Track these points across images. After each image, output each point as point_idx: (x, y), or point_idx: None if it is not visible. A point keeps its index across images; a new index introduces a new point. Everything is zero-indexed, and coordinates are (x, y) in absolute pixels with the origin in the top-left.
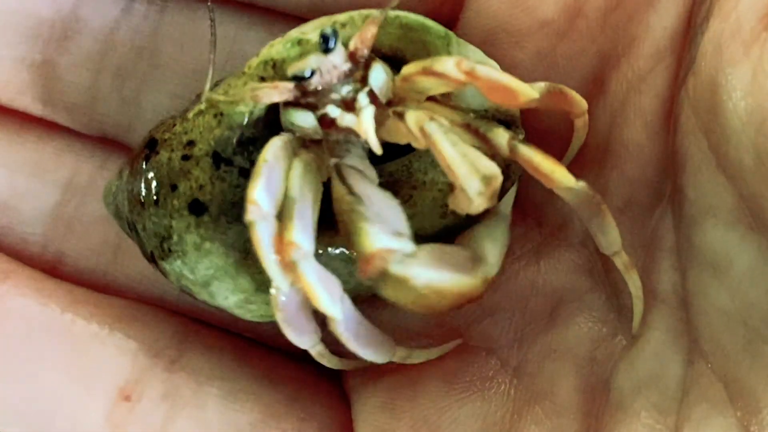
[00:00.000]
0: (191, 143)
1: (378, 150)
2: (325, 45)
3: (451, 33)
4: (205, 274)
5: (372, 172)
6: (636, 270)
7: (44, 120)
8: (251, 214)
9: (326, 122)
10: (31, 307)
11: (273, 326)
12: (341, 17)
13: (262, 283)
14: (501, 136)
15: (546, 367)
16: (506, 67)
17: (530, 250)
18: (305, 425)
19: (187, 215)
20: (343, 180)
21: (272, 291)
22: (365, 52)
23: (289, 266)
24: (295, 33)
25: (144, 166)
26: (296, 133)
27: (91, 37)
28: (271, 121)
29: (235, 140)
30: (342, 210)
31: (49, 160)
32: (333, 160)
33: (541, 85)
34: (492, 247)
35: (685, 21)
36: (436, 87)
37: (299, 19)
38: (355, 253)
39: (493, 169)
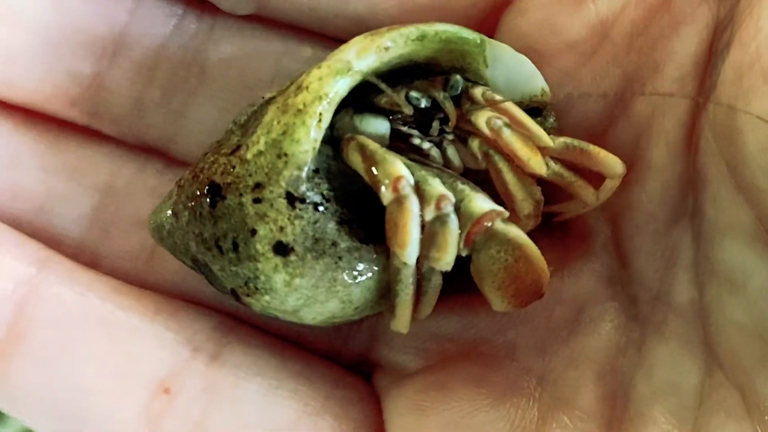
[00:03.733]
0: (259, 186)
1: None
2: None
3: (485, 39)
4: (295, 305)
5: None
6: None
7: (83, 127)
8: (404, 189)
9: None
10: (70, 296)
11: (309, 327)
12: (385, 41)
13: (348, 302)
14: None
15: (569, 375)
16: None
17: (554, 261)
18: (340, 422)
19: (273, 257)
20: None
21: (397, 263)
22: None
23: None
24: (340, 65)
25: (212, 212)
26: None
27: (142, 52)
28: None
29: (304, 177)
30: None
31: (88, 164)
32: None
33: (561, 141)
34: None
35: (707, 48)
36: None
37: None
38: None
39: (540, 195)
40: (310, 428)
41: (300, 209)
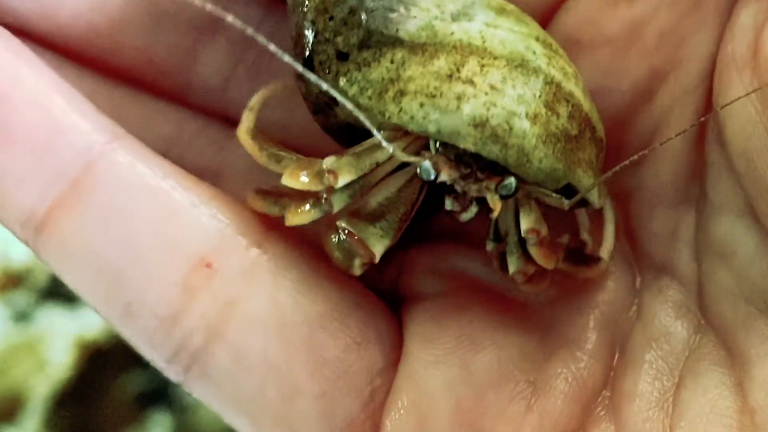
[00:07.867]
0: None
1: None
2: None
3: None
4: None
5: None
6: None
7: (155, 86)
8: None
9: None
10: (136, 166)
11: None
12: None
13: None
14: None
15: (576, 320)
16: None
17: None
18: (366, 325)
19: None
20: None
21: None
22: None
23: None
24: None
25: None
26: None
27: (235, 33)
28: None
29: None
30: None
31: (156, 116)
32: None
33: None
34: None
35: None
36: None
37: None
38: None
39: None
40: (337, 326)
41: None
